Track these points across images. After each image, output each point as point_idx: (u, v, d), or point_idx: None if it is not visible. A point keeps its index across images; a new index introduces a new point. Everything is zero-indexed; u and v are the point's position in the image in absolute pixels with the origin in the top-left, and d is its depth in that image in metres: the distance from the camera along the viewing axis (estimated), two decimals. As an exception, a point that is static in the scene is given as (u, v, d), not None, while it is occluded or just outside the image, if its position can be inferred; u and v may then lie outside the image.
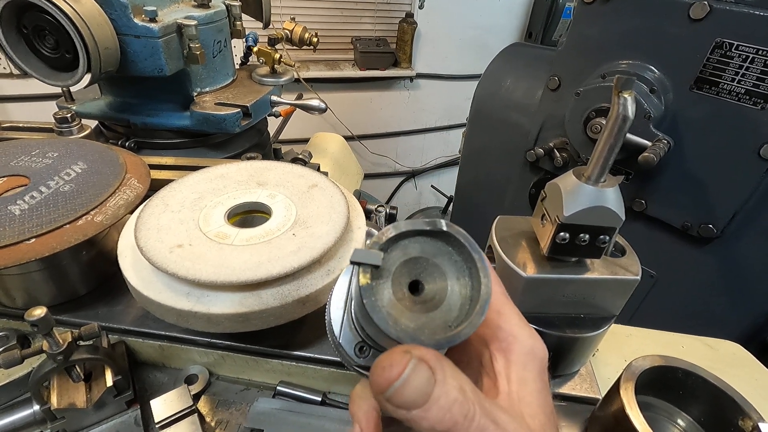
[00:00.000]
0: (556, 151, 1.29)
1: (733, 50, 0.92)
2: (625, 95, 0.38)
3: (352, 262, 0.23)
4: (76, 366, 0.47)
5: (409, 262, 0.24)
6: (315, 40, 1.14)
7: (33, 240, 0.49)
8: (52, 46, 0.78)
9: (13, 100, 1.96)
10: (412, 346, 0.21)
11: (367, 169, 2.98)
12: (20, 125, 0.84)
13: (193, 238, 0.49)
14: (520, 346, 0.26)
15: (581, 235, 0.44)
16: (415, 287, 0.24)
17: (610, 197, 0.42)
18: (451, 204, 2.21)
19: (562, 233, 0.44)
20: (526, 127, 1.39)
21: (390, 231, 0.23)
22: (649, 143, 1.01)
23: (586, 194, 0.42)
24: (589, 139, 1.12)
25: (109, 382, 0.48)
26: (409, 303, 0.23)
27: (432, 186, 3.23)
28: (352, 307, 0.28)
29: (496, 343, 0.26)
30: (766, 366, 0.70)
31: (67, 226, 0.51)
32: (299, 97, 1.08)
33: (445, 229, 0.24)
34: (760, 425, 0.36)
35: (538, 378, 0.25)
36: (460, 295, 0.24)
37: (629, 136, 1.03)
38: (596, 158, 0.42)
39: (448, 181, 3.12)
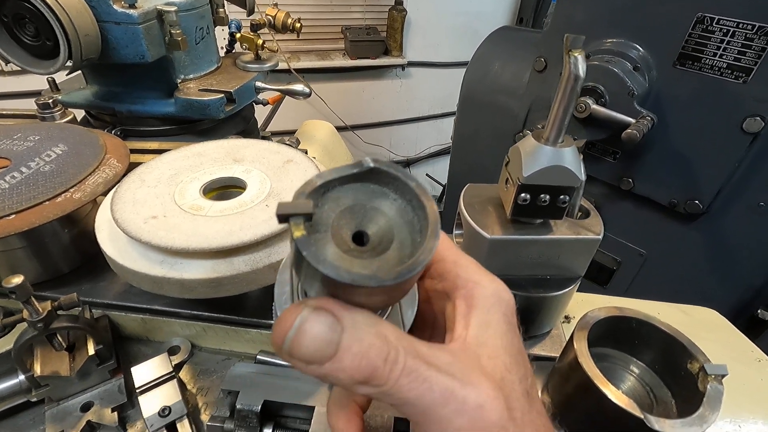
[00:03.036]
0: (543, 132, 1.29)
1: (714, 24, 0.93)
2: (575, 54, 0.39)
3: (278, 216, 0.19)
4: (58, 335, 0.49)
5: (345, 214, 0.22)
6: (298, 25, 1.14)
7: (13, 216, 0.50)
8: (32, 34, 0.79)
9: (6, 98, 1.97)
10: (310, 298, 0.20)
11: (362, 160, 2.98)
12: (3, 113, 0.85)
13: (168, 210, 0.50)
14: (482, 290, 0.24)
15: (541, 195, 0.45)
16: (360, 239, 0.22)
17: (568, 157, 0.44)
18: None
19: (523, 194, 0.45)
20: (514, 109, 1.40)
21: (316, 180, 0.21)
22: (632, 120, 1.02)
23: (544, 155, 0.43)
24: (575, 119, 1.13)
25: (91, 350, 0.50)
26: (357, 253, 0.21)
27: (427, 174, 3.24)
28: (299, 288, 0.25)
29: (456, 291, 0.25)
30: (754, 338, 0.71)
31: (47, 202, 0.53)
32: (286, 84, 1.08)
33: (372, 165, 0.21)
34: (705, 366, 0.38)
35: (502, 320, 0.24)
36: (408, 230, 0.22)
37: (613, 113, 1.03)
38: (552, 120, 0.43)
39: (443, 169, 3.13)
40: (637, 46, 1.06)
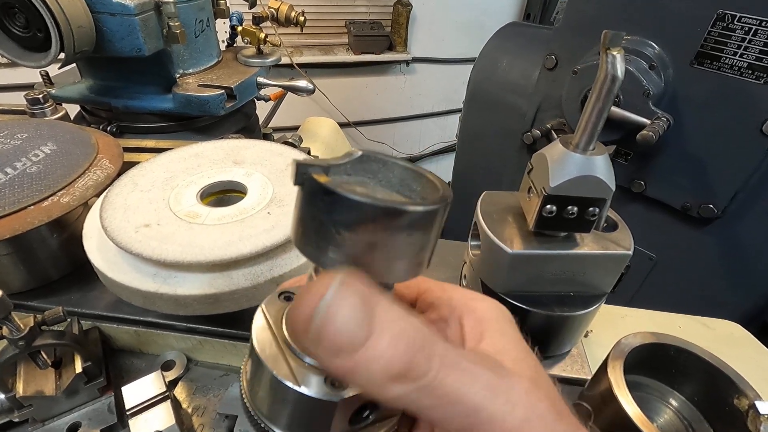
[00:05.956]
0: (553, 132, 1.26)
1: (735, 22, 0.89)
2: (614, 52, 0.35)
3: (297, 167, 0.17)
4: (42, 352, 0.45)
5: None
6: (302, 18, 1.10)
7: (-6, 222, 0.47)
8: (22, 25, 0.75)
9: (0, 90, 1.93)
10: (334, 271, 0.17)
11: (364, 157, 2.95)
12: (-8, 108, 0.81)
13: (162, 217, 0.46)
14: (481, 304, 0.23)
15: (569, 207, 0.41)
16: None
17: (600, 166, 0.40)
18: (449, 190, 2.19)
19: (548, 206, 0.41)
20: (522, 108, 1.36)
21: (317, 161, 0.20)
22: (648, 121, 0.98)
23: (573, 163, 0.40)
24: (586, 119, 1.09)
25: (78, 368, 0.46)
26: None
27: (430, 173, 3.20)
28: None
29: (455, 312, 0.23)
30: (767, 346, 0.68)
31: (32, 207, 0.49)
32: (290, 80, 1.04)
33: (361, 152, 0.21)
34: (757, 404, 0.34)
35: (513, 328, 0.22)
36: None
37: (627, 114, 1.00)
38: (584, 124, 0.39)
39: (447, 167, 3.09)
40: (653, 44, 1.02)
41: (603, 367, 0.38)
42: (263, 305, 0.24)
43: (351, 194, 0.17)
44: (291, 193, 0.51)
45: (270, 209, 0.49)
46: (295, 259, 0.46)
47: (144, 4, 0.81)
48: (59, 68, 0.89)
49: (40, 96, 0.74)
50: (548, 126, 1.27)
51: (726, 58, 0.92)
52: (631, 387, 0.36)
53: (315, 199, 0.18)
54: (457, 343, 0.22)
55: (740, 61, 0.90)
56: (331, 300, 0.16)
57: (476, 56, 1.47)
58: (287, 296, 0.25)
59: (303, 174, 0.18)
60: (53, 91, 0.94)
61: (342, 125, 1.71)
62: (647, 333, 0.40)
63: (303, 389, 0.20)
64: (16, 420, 0.46)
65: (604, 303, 0.65)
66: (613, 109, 1.00)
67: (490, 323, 0.22)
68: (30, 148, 0.59)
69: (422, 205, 0.18)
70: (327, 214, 0.17)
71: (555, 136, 1.24)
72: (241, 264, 0.44)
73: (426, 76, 2.81)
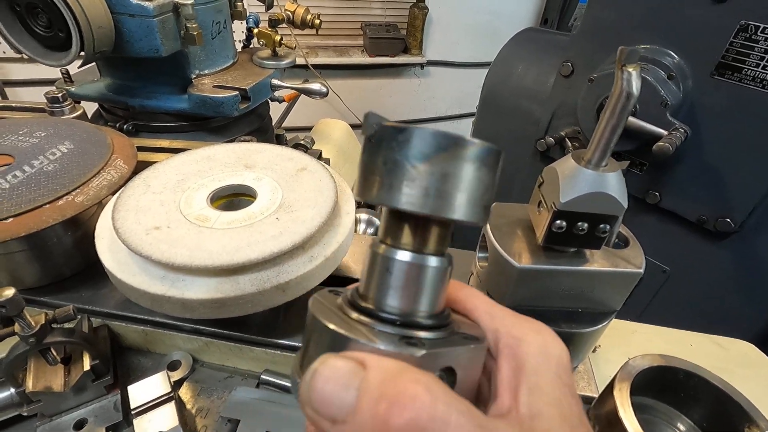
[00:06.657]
0: (567, 140, 1.24)
1: (758, 33, 0.87)
2: (630, 69, 0.34)
3: (368, 117, 0.20)
4: (52, 349, 0.46)
5: None
6: (317, 21, 1.10)
7: (10, 219, 0.48)
8: (45, 25, 0.76)
9: (22, 85, 1.97)
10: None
11: (376, 159, 2.95)
12: (13, 105, 0.83)
13: (173, 220, 0.47)
14: (527, 347, 0.21)
15: (579, 223, 0.40)
16: None
17: (612, 183, 0.39)
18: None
19: (558, 221, 0.41)
20: (537, 115, 1.35)
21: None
22: (665, 132, 0.96)
23: (585, 179, 0.39)
24: (601, 128, 1.07)
25: (87, 366, 0.47)
26: None
27: (442, 176, 3.18)
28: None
29: (498, 350, 0.21)
30: (783, 366, 0.66)
31: (47, 206, 0.50)
32: (303, 83, 1.05)
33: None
34: (769, 434, 0.33)
35: (555, 383, 0.20)
36: None
37: (643, 124, 0.98)
38: (597, 140, 0.38)
39: (458, 171, 3.07)
40: (673, 54, 1.00)
41: (609, 389, 0.38)
42: (316, 295, 0.24)
43: (424, 128, 0.19)
44: (300, 200, 0.52)
45: (278, 215, 0.49)
46: (302, 265, 0.46)
47: (163, 6, 0.82)
48: (79, 67, 0.91)
49: (60, 95, 0.75)
50: (562, 134, 1.25)
51: (748, 69, 0.90)
52: (638, 409, 0.35)
53: (389, 141, 0.20)
54: (495, 388, 0.21)
55: (763, 72, 0.88)
56: (316, 368, 0.17)
57: (491, 60, 1.46)
58: (335, 292, 0.25)
59: (374, 124, 0.20)
60: (72, 89, 0.96)
61: (354, 126, 1.72)
62: (656, 355, 0.39)
63: (380, 345, 0.20)
64: (25, 414, 0.47)
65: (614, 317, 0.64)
66: (629, 118, 0.99)
67: (528, 376, 0.20)
68: (48, 146, 0.60)
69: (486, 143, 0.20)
70: (402, 151, 0.19)
71: (569, 143, 1.22)
72: (247, 269, 0.44)
73: (440, 79, 2.80)
